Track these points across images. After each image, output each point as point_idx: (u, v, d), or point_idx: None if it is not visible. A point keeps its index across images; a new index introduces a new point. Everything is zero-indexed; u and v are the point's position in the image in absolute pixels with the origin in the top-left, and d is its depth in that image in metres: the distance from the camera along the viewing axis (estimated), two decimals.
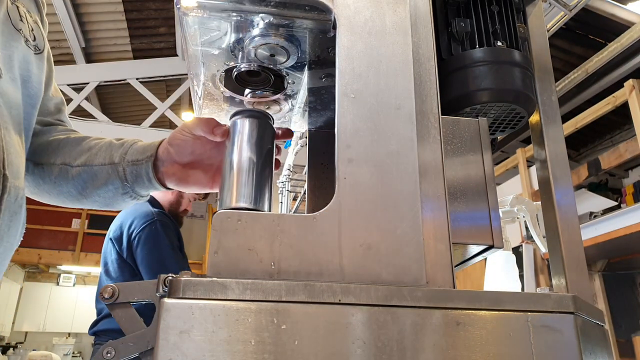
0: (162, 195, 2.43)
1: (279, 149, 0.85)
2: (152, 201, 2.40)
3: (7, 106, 0.71)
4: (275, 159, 0.82)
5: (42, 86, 0.83)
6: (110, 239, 2.25)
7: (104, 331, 2.20)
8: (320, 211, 0.57)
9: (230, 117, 0.77)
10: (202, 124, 0.78)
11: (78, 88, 5.14)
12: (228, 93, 0.86)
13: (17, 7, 0.76)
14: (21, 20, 0.77)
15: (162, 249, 2.15)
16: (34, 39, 0.79)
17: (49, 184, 0.86)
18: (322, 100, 0.90)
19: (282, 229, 0.56)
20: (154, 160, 0.80)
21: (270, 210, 0.74)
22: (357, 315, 0.51)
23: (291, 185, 3.11)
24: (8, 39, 0.73)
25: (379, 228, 0.57)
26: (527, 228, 2.67)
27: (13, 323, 9.39)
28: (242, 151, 0.74)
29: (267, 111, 0.82)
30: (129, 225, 2.21)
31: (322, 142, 0.98)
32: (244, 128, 0.75)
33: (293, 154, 3.15)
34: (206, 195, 2.58)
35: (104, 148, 0.85)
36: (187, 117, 6.06)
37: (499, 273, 1.96)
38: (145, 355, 0.51)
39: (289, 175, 3.11)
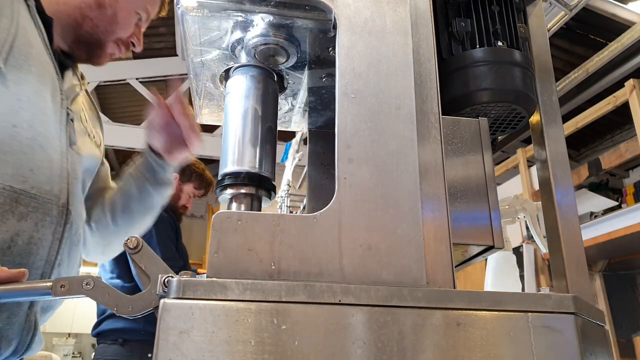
0: None
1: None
2: None
3: (77, 165, 0.97)
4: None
5: (96, 169, 1.12)
6: None
7: (107, 331, 2.21)
8: (321, 211, 0.57)
9: (227, 72, 0.75)
10: (149, 123, 1.08)
11: None
12: None
13: (85, 114, 1.08)
14: (87, 121, 1.07)
15: (156, 243, 2.16)
16: (94, 137, 1.11)
17: (113, 229, 1.14)
18: (322, 100, 0.90)
19: (282, 229, 0.56)
20: (150, 150, 1.11)
21: (274, 173, 0.73)
22: (357, 316, 0.51)
23: (290, 201, 3.07)
24: (78, 129, 1.02)
25: (379, 228, 0.57)
26: (527, 228, 2.67)
27: None
28: (243, 110, 0.71)
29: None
30: None
31: (322, 142, 0.98)
32: (244, 86, 0.73)
33: (291, 169, 3.08)
34: (205, 193, 2.60)
35: (124, 179, 1.17)
36: None
37: (500, 273, 1.96)
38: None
39: (287, 190, 3.06)
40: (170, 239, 2.34)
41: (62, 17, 0.98)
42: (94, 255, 1.20)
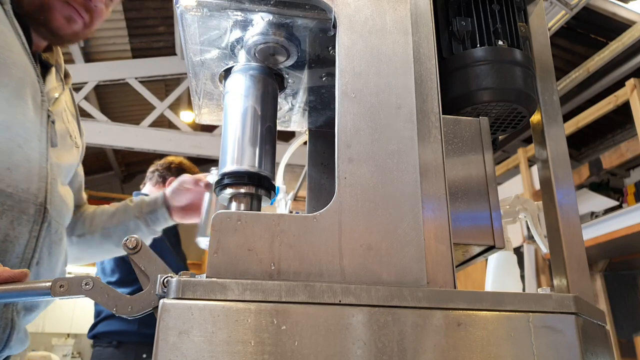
0: (155, 192, 2.48)
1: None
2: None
3: (58, 167, 0.99)
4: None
5: (74, 170, 1.15)
6: None
7: (103, 333, 2.21)
8: (320, 211, 0.57)
9: (227, 71, 0.75)
10: (190, 181, 1.22)
11: (77, 87, 5.13)
12: None
13: (66, 116, 1.08)
14: (68, 123, 1.09)
15: (156, 240, 2.17)
16: (74, 138, 1.12)
17: (94, 248, 1.24)
18: (322, 100, 0.90)
19: (282, 229, 0.56)
20: (165, 207, 1.24)
21: (273, 173, 0.72)
22: (358, 316, 0.51)
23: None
24: (60, 130, 1.02)
25: (379, 228, 0.57)
26: (528, 228, 2.66)
27: None
28: (243, 110, 0.71)
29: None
30: None
31: (322, 142, 0.97)
32: (244, 85, 0.73)
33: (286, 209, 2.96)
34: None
35: (125, 211, 1.25)
36: (185, 116, 6.05)
37: (500, 273, 1.96)
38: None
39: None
40: (176, 243, 2.36)
41: None
42: (81, 260, 1.28)
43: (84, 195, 1.30)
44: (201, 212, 1.14)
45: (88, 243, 1.22)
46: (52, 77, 1.04)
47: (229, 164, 0.68)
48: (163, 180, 2.50)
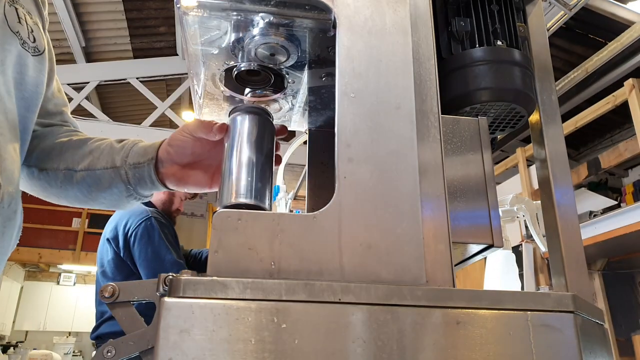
0: (154, 195, 2.47)
1: (278, 145, 0.85)
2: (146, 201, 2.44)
3: (2, 111, 0.71)
4: (276, 154, 0.81)
5: (40, 88, 0.82)
6: (107, 239, 2.27)
7: (106, 335, 2.20)
8: (320, 210, 0.57)
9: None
10: (202, 125, 0.79)
11: (78, 87, 5.14)
12: (228, 92, 0.86)
13: (16, 8, 0.76)
14: (19, 22, 0.76)
15: (158, 243, 2.17)
16: (34, 41, 0.79)
17: (56, 188, 0.88)
18: (322, 100, 0.90)
19: (282, 228, 0.56)
20: (155, 162, 0.81)
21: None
22: (357, 314, 0.51)
23: None
24: (4, 44, 0.73)
25: (379, 227, 0.57)
26: (526, 227, 2.67)
27: (13, 322, 9.39)
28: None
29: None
30: (124, 224, 2.25)
31: (322, 142, 0.98)
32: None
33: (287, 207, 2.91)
34: (194, 195, 2.61)
35: (105, 151, 0.85)
36: (187, 116, 6.05)
37: (499, 272, 1.96)
38: (145, 354, 0.51)
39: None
40: (176, 244, 2.36)
41: None
42: (45, 197, 0.94)
43: (70, 119, 0.96)
44: (221, 174, 0.75)
45: (49, 181, 0.88)
46: None
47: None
48: None
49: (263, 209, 0.71)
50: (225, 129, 0.78)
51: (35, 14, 0.84)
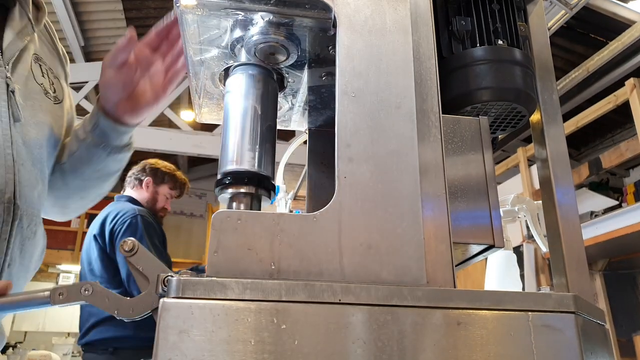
0: (138, 194, 2.49)
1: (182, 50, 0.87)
2: (132, 200, 2.45)
3: (26, 145, 0.82)
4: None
5: (62, 130, 0.95)
6: (94, 235, 2.27)
7: (97, 341, 2.19)
8: (320, 210, 0.57)
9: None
10: (108, 58, 0.85)
11: (77, 87, 5.14)
12: None
13: (40, 65, 0.90)
14: (43, 76, 0.90)
15: (141, 240, 2.17)
16: (54, 92, 0.92)
17: (64, 189, 0.99)
18: (322, 99, 0.90)
19: (282, 228, 0.56)
20: (103, 112, 0.89)
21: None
22: (357, 315, 0.51)
23: None
24: (31, 92, 0.85)
25: (379, 227, 0.57)
26: (527, 227, 2.67)
27: (12, 322, 9.39)
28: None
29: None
30: (111, 220, 2.26)
31: (322, 141, 0.97)
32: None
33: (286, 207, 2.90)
34: (180, 194, 2.60)
35: (73, 137, 0.96)
36: (186, 115, 6.05)
37: (500, 273, 1.96)
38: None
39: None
40: (162, 244, 2.35)
41: None
42: (53, 216, 1.06)
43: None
44: (222, 136, 0.72)
45: (57, 185, 0.98)
46: (15, 21, 0.84)
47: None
48: (139, 183, 2.49)
49: (264, 175, 0.69)
50: (124, 41, 0.82)
51: (59, 68, 0.98)
